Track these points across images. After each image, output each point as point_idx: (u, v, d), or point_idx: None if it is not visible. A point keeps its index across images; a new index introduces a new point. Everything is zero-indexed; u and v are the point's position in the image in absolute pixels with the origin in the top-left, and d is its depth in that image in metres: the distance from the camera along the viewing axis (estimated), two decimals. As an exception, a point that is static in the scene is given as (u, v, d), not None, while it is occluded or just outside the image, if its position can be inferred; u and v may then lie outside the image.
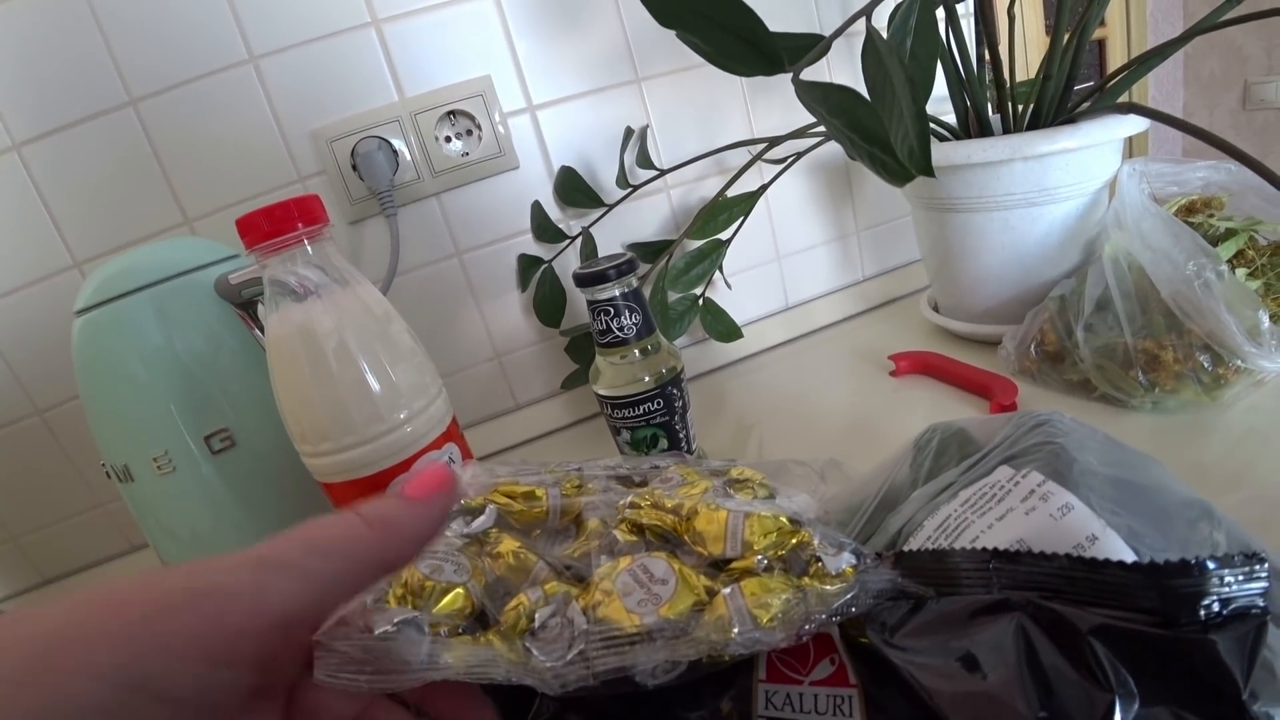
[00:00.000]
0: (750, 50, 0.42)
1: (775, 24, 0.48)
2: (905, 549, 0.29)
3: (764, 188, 0.73)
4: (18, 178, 0.68)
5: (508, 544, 0.32)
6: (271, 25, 0.68)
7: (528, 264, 0.76)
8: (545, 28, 0.73)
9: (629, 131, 0.76)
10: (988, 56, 0.65)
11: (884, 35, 0.42)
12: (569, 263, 0.79)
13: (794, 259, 0.89)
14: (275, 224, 0.42)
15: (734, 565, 0.29)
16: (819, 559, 0.28)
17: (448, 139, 0.73)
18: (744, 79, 0.78)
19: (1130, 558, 0.25)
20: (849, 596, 0.26)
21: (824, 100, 0.38)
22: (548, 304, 0.76)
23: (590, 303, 0.52)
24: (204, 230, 0.72)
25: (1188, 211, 0.60)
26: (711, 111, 0.80)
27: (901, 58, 0.40)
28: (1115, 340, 0.55)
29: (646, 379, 0.52)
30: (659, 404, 0.53)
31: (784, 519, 0.29)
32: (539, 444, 0.80)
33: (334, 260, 0.45)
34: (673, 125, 0.79)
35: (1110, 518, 0.26)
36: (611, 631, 0.26)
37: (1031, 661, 0.22)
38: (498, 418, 0.82)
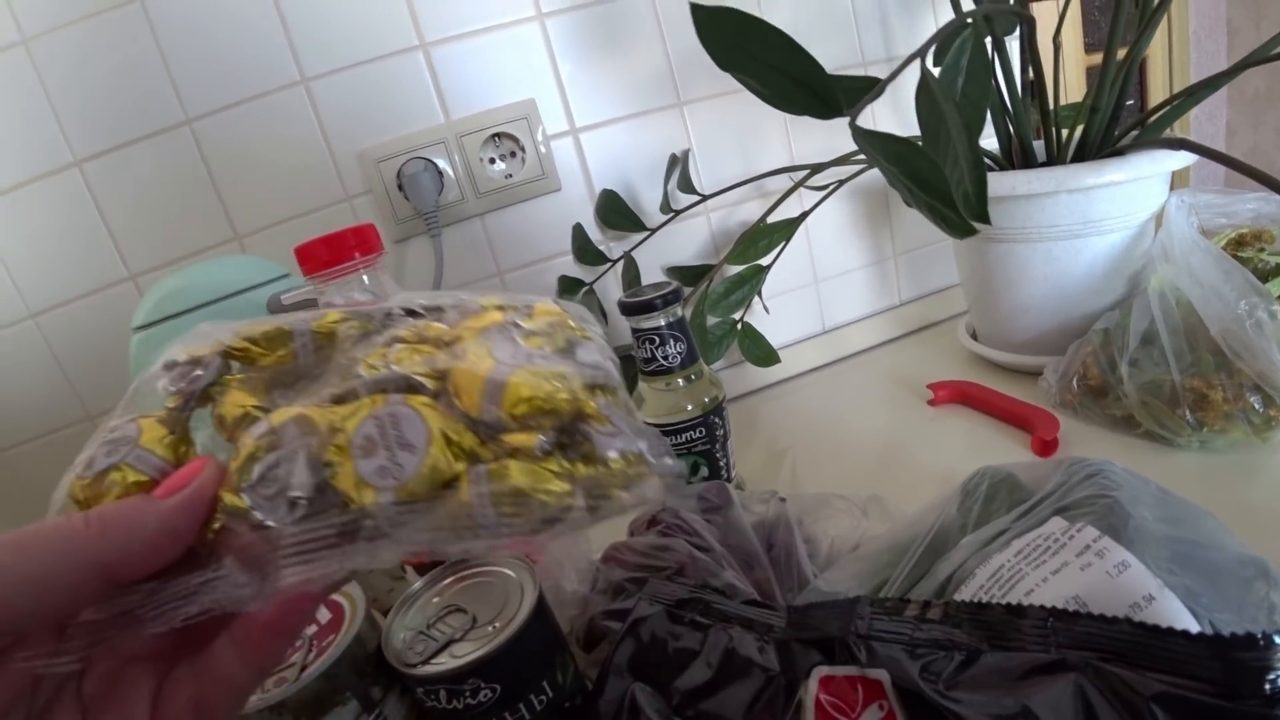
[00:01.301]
0: (808, 94, 0.43)
1: (816, 51, 0.48)
2: (957, 598, 0.30)
3: (805, 214, 0.73)
4: (78, 192, 0.71)
5: (236, 398, 0.26)
6: (323, 48, 0.70)
7: (568, 285, 0.77)
8: (589, 51, 0.75)
9: (674, 159, 0.76)
10: (1031, 84, 0.65)
11: (935, 73, 0.42)
12: (608, 284, 0.79)
13: (831, 283, 0.89)
14: (334, 253, 0.43)
15: (509, 436, 0.24)
16: (590, 437, 0.24)
17: (491, 160, 0.74)
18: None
19: (1188, 619, 0.25)
20: (634, 494, 0.23)
21: (882, 149, 0.38)
22: (588, 326, 0.76)
23: (635, 331, 0.52)
24: (253, 246, 0.74)
25: (1237, 244, 0.59)
26: (752, 136, 0.81)
27: (953, 99, 0.40)
28: (1162, 377, 0.55)
29: (689, 407, 0.53)
30: (701, 432, 0.53)
31: (557, 383, 0.24)
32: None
33: (386, 287, 0.46)
34: (713, 149, 0.80)
35: (1167, 577, 0.26)
36: (321, 528, 0.22)
37: (1091, 725, 0.22)
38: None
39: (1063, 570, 0.27)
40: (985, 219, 0.37)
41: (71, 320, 0.75)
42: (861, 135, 0.41)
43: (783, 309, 0.85)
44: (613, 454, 0.23)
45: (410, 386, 0.24)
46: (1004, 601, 0.27)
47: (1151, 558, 0.27)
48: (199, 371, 0.26)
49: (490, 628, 0.35)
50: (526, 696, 0.35)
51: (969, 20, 0.45)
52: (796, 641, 0.33)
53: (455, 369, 0.24)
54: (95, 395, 0.77)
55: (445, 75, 0.72)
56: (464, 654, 0.33)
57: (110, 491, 0.24)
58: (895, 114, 0.84)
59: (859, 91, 0.44)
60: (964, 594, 0.30)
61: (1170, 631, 0.22)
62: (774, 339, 0.80)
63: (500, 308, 0.29)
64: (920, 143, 0.42)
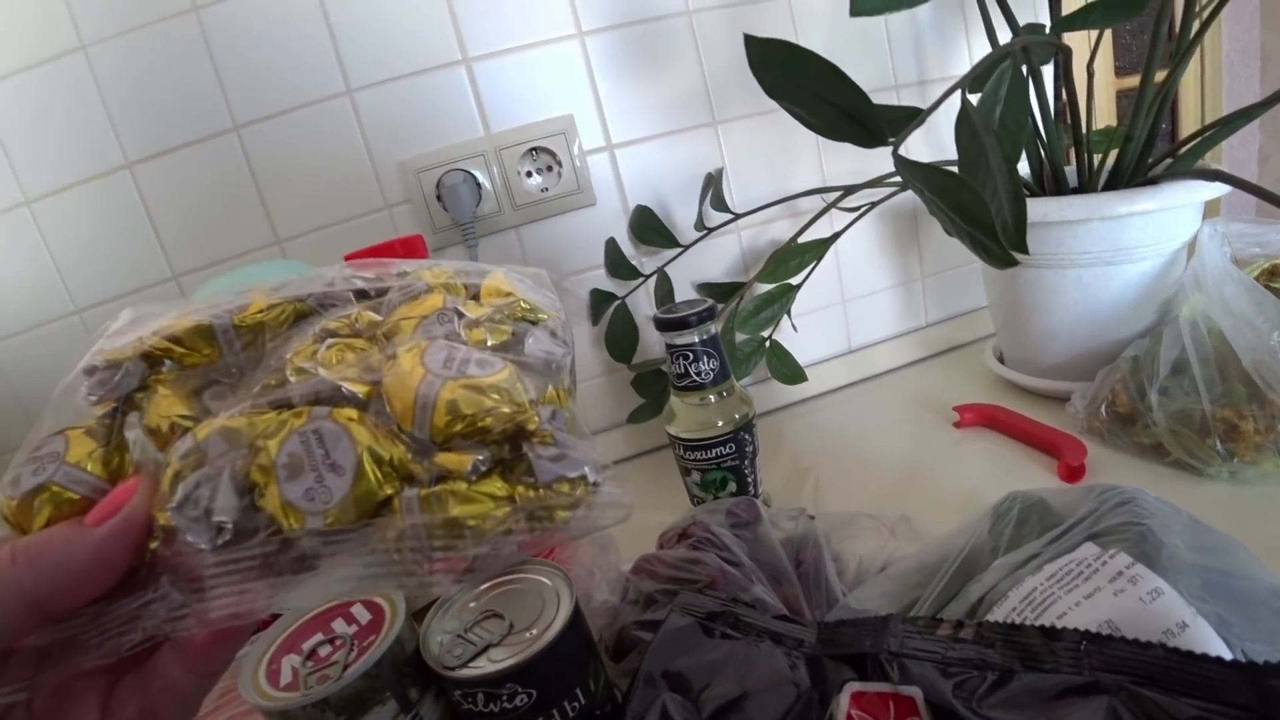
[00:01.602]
0: (854, 124, 0.44)
1: (849, 73, 0.48)
2: (989, 619, 0.30)
3: (837, 235, 0.74)
4: (128, 194, 0.74)
5: (162, 406, 0.24)
6: (369, 60, 0.72)
7: (600, 299, 0.78)
8: (627, 70, 0.76)
9: (709, 177, 0.78)
10: (1065, 112, 0.66)
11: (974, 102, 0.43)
12: (639, 299, 0.81)
13: (858, 303, 0.90)
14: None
15: (441, 457, 0.22)
16: (530, 461, 0.23)
17: (529, 174, 0.75)
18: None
19: (1220, 647, 0.26)
20: (580, 516, 0.22)
21: (926, 180, 0.39)
22: (619, 340, 0.78)
23: (669, 346, 0.54)
24: (293, 250, 0.76)
25: (1270, 275, 0.59)
26: (783, 156, 0.82)
27: (993, 130, 0.41)
28: (1192, 406, 0.55)
29: (720, 423, 0.54)
30: (731, 448, 0.54)
31: (493, 398, 0.22)
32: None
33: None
34: (746, 168, 0.81)
35: (1199, 605, 0.27)
36: (244, 556, 0.21)
37: (1125, 747, 0.22)
38: (559, 445, 0.84)
39: (1095, 595, 0.28)
40: (1024, 249, 0.38)
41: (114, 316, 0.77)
42: (904, 165, 0.42)
43: (809, 327, 0.86)
44: (555, 480, 0.22)
45: (340, 396, 0.23)
46: (1037, 624, 0.28)
47: (1184, 586, 0.27)
48: (119, 377, 0.25)
49: (527, 634, 0.35)
50: (561, 703, 0.35)
51: (1006, 54, 0.46)
52: (828, 657, 0.33)
53: (386, 382, 0.23)
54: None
55: (486, 89, 0.74)
56: (502, 659, 0.33)
57: (41, 512, 0.23)
58: (925, 138, 0.85)
59: (902, 121, 0.45)
60: (996, 615, 0.31)
61: (1204, 657, 0.23)
62: (800, 357, 0.81)
63: (446, 287, 0.28)
64: (956, 169, 0.43)
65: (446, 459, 0.22)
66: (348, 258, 0.46)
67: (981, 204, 0.36)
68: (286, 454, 0.21)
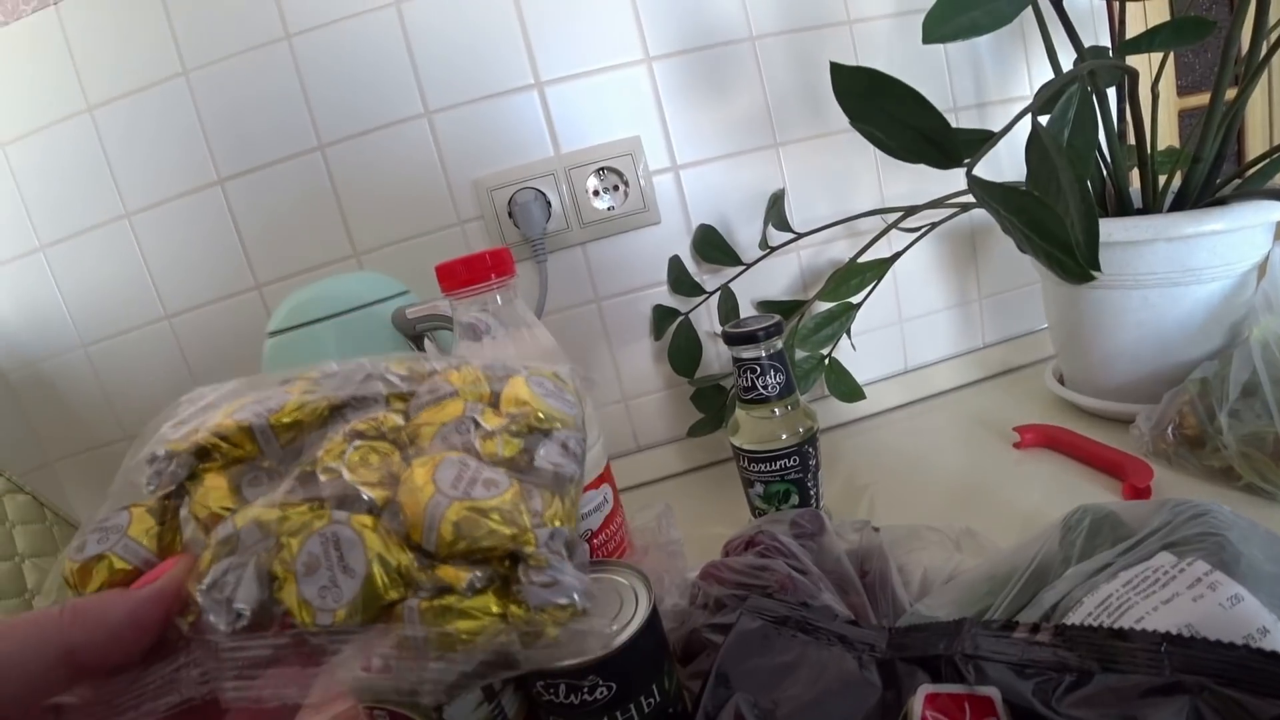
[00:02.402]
0: (932, 147, 0.45)
1: None
2: (1064, 623, 0.31)
3: (897, 255, 0.75)
4: (219, 208, 0.79)
5: (205, 497, 0.27)
6: (447, 84, 0.76)
7: (662, 315, 0.81)
8: (692, 93, 0.79)
9: (775, 197, 0.80)
10: (1130, 132, 0.66)
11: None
12: (700, 315, 0.83)
13: (915, 323, 0.91)
14: (472, 273, 0.47)
15: (443, 570, 0.24)
16: (522, 585, 0.24)
17: (596, 193, 0.78)
18: (876, 150, 0.82)
19: (1303, 654, 0.26)
20: (550, 645, 0.24)
21: (1004, 200, 0.41)
22: (682, 354, 0.80)
23: (737, 360, 0.55)
24: (369, 262, 0.81)
25: (1344, 298, 0.59)
26: (844, 177, 0.84)
27: (1064, 152, 0.42)
28: (1265, 429, 0.54)
29: (784, 436, 0.55)
30: (795, 461, 0.55)
31: (494, 520, 0.24)
32: (655, 487, 0.84)
33: (516, 307, 0.50)
34: (806, 189, 0.83)
35: (1280, 613, 0.27)
36: (257, 645, 0.23)
37: (1207, 744, 0.23)
38: (618, 458, 0.86)
39: (1174, 600, 0.29)
40: (1096, 266, 0.38)
41: (200, 323, 0.82)
42: (980, 185, 0.43)
43: (866, 347, 0.87)
44: (544, 606, 0.24)
45: (359, 500, 0.25)
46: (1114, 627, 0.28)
47: (1264, 594, 0.28)
48: (171, 468, 0.28)
49: (608, 629, 0.37)
50: (637, 697, 0.36)
51: (1075, 78, 0.47)
52: (900, 660, 0.34)
53: (400, 493, 0.25)
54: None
55: (557, 112, 0.77)
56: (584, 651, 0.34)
57: (96, 577, 0.26)
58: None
59: (976, 144, 0.46)
60: (1072, 621, 0.31)
61: (1288, 658, 0.23)
62: (857, 376, 0.82)
63: (470, 394, 0.29)
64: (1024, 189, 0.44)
65: (447, 572, 0.24)
66: (439, 267, 0.48)
67: (1059, 222, 0.37)
68: (306, 553, 0.23)
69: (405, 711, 0.37)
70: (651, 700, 0.37)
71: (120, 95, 0.76)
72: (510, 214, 0.77)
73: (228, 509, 0.26)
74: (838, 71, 0.47)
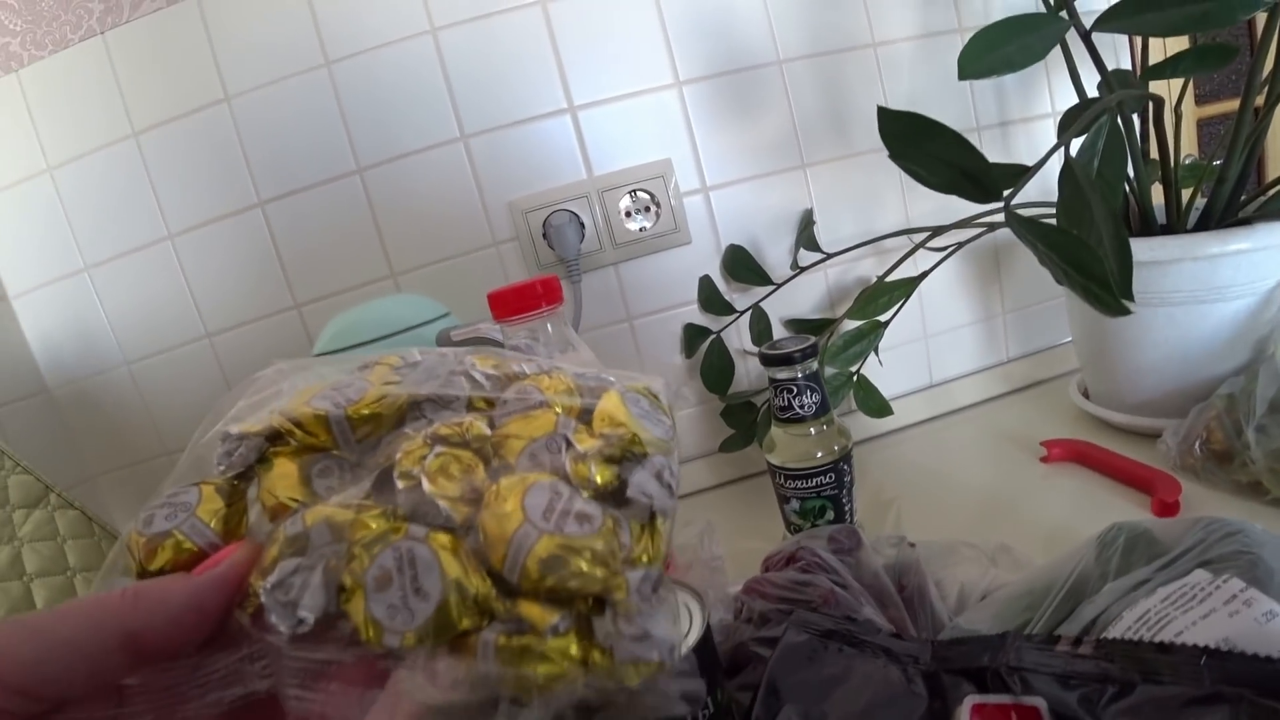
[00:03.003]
0: (971, 183, 0.47)
1: (929, 114, 0.52)
2: (1107, 637, 0.32)
3: (925, 274, 0.77)
4: (259, 230, 0.81)
5: (275, 484, 0.26)
6: (482, 109, 0.79)
7: (694, 333, 0.83)
8: (722, 116, 0.81)
9: (806, 217, 0.82)
10: (1155, 153, 0.67)
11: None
12: (730, 334, 0.85)
13: (940, 338, 0.92)
14: (522, 300, 0.49)
15: (525, 606, 0.23)
16: (610, 629, 0.23)
17: (628, 214, 0.81)
18: (902, 171, 0.84)
19: (1336, 667, 0.28)
20: (647, 688, 0.22)
21: (1043, 237, 0.42)
22: (715, 372, 0.82)
23: (773, 381, 0.57)
24: (406, 283, 0.83)
25: (1367, 315, 0.60)
26: (869, 197, 0.86)
27: (1097, 184, 0.44)
28: (1292, 445, 0.55)
29: (820, 454, 0.57)
30: (830, 478, 0.57)
31: (585, 561, 0.22)
32: (687, 502, 0.85)
33: (564, 331, 0.52)
34: (832, 209, 0.85)
35: (1316, 628, 0.29)
36: (319, 657, 0.22)
37: (1249, 752, 0.25)
38: (648, 472, 0.87)
39: (1211, 615, 0.30)
40: (1131, 299, 0.40)
41: (240, 342, 0.85)
42: (1018, 221, 0.45)
43: (892, 362, 0.88)
44: (631, 660, 0.22)
45: (438, 513, 0.24)
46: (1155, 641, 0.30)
47: (1298, 611, 0.29)
48: (241, 450, 0.27)
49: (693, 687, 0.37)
50: (695, 710, 0.36)
51: (1105, 110, 0.49)
52: (946, 672, 0.36)
53: (484, 516, 0.23)
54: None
55: (590, 135, 0.80)
56: None
57: (161, 555, 0.25)
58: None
59: (1012, 178, 0.48)
60: (1112, 634, 0.33)
61: (1324, 671, 0.25)
62: (882, 390, 0.83)
63: (562, 407, 0.27)
64: (1055, 219, 0.46)
65: (529, 610, 0.22)
66: (491, 295, 0.50)
67: (1096, 259, 0.39)
68: (379, 567, 0.22)
69: None
70: (707, 712, 0.38)
71: (164, 121, 0.79)
72: (545, 235, 0.79)
73: (296, 500, 0.25)
74: (884, 115, 0.50)
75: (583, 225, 0.79)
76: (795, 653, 0.39)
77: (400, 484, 0.24)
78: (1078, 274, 0.40)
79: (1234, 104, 0.62)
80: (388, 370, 0.30)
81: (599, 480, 0.25)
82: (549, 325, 0.50)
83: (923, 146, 0.47)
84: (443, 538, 0.23)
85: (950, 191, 0.49)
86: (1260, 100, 0.61)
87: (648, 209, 0.81)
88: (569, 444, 0.26)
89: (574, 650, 0.22)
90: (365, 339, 0.65)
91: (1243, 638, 0.29)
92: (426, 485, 0.24)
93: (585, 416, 0.28)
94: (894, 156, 0.50)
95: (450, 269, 0.82)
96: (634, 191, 0.80)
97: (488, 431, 0.27)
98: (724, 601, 0.51)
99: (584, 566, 0.22)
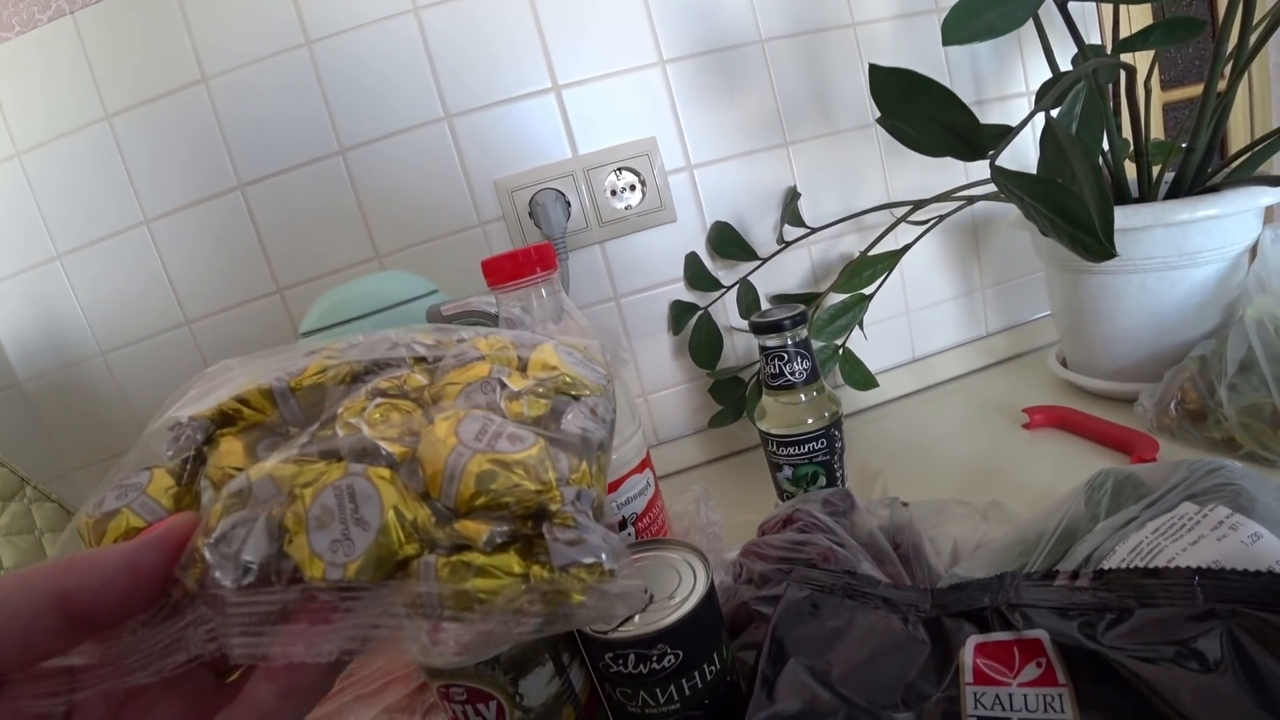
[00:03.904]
0: (959, 141, 0.48)
1: None
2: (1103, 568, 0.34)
3: (908, 246, 0.78)
4: (239, 213, 0.80)
5: (221, 459, 0.26)
6: (466, 88, 0.78)
7: (681, 310, 0.83)
8: (706, 95, 0.82)
9: (791, 193, 0.83)
10: (1128, 127, 0.69)
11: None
12: (717, 309, 0.85)
13: (922, 313, 0.94)
14: (518, 267, 0.50)
15: (462, 524, 0.23)
16: (548, 544, 0.23)
17: (614, 192, 0.81)
18: (883, 147, 0.85)
19: (1320, 584, 0.29)
20: (574, 609, 0.23)
21: (1028, 188, 0.43)
22: (704, 348, 0.82)
23: (764, 349, 0.58)
24: (391, 265, 0.82)
25: (1330, 277, 0.62)
26: (851, 173, 0.87)
27: (1074, 138, 0.45)
28: (1262, 401, 0.57)
29: (810, 421, 0.58)
30: (822, 444, 0.58)
31: (518, 474, 0.23)
32: (677, 479, 0.86)
33: (559, 298, 0.52)
34: (816, 186, 0.86)
35: (1297, 551, 0.30)
36: (264, 601, 0.21)
37: (1244, 660, 0.26)
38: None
39: (1200, 542, 0.31)
40: (1113, 245, 0.41)
41: (221, 328, 0.84)
42: (1004, 174, 0.46)
43: (875, 337, 0.90)
44: (570, 565, 0.23)
45: (378, 454, 0.24)
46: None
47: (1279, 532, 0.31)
48: (188, 433, 0.27)
49: (670, 601, 0.37)
50: (701, 665, 0.37)
51: (1082, 76, 0.50)
52: (947, 616, 0.36)
53: (421, 447, 0.24)
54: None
55: (575, 114, 0.80)
56: (651, 622, 0.35)
57: (111, 533, 0.25)
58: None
59: (997, 137, 0.49)
60: (1107, 566, 0.34)
61: (1313, 581, 0.26)
62: (868, 365, 0.84)
63: (497, 358, 0.28)
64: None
65: (466, 527, 0.23)
66: (485, 262, 0.50)
67: (1082, 205, 0.40)
68: (319, 505, 0.22)
69: (482, 686, 0.38)
70: (713, 668, 0.38)
71: (139, 103, 0.77)
72: (531, 214, 0.79)
73: (240, 469, 0.25)
74: (876, 72, 0.50)
75: (569, 204, 0.80)
76: (797, 608, 0.40)
77: (341, 432, 0.25)
78: (1064, 222, 0.42)
79: (1198, 89, 0.63)
80: (331, 352, 0.30)
81: (531, 413, 0.26)
82: (543, 291, 0.51)
83: (914, 103, 0.48)
84: (382, 471, 0.23)
85: (939, 150, 0.50)
86: (1227, 70, 0.63)
87: (633, 187, 0.81)
88: (503, 385, 0.27)
89: (515, 565, 0.23)
90: (354, 315, 0.64)
91: (1232, 558, 0.30)
92: (366, 430, 0.25)
93: (521, 365, 0.29)
94: (886, 115, 0.51)
95: (436, 249, 0.82)
96: (619, 170, 0.80)
97: (425, 382, 0.28)
98: (722, 567, 0.52)
99: (517, 479, 0.23)
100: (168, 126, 0.78)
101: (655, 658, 0.36)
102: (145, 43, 0.76)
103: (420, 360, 0.30)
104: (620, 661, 0.36)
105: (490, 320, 0.59)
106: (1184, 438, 0.63)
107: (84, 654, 0.23)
